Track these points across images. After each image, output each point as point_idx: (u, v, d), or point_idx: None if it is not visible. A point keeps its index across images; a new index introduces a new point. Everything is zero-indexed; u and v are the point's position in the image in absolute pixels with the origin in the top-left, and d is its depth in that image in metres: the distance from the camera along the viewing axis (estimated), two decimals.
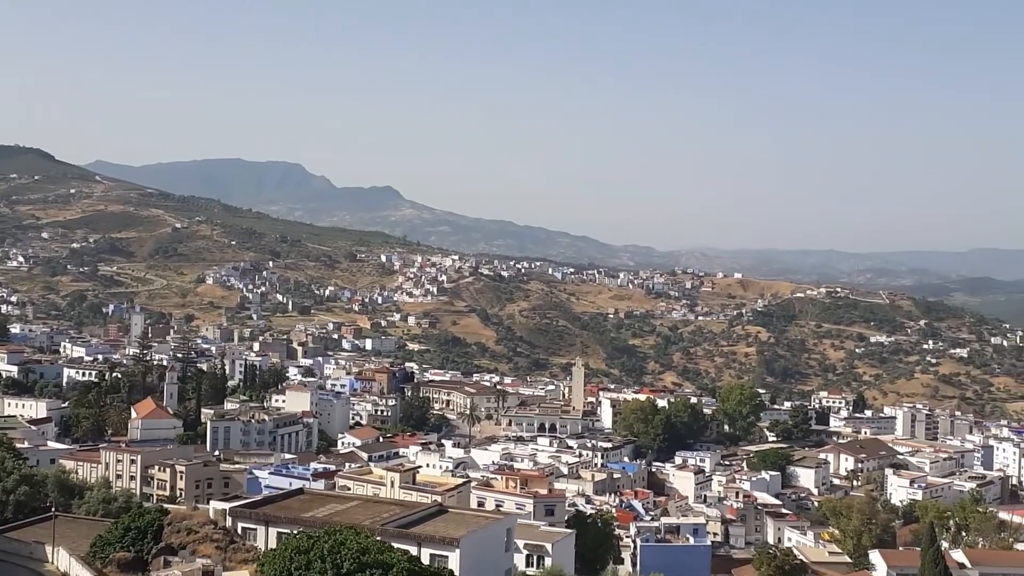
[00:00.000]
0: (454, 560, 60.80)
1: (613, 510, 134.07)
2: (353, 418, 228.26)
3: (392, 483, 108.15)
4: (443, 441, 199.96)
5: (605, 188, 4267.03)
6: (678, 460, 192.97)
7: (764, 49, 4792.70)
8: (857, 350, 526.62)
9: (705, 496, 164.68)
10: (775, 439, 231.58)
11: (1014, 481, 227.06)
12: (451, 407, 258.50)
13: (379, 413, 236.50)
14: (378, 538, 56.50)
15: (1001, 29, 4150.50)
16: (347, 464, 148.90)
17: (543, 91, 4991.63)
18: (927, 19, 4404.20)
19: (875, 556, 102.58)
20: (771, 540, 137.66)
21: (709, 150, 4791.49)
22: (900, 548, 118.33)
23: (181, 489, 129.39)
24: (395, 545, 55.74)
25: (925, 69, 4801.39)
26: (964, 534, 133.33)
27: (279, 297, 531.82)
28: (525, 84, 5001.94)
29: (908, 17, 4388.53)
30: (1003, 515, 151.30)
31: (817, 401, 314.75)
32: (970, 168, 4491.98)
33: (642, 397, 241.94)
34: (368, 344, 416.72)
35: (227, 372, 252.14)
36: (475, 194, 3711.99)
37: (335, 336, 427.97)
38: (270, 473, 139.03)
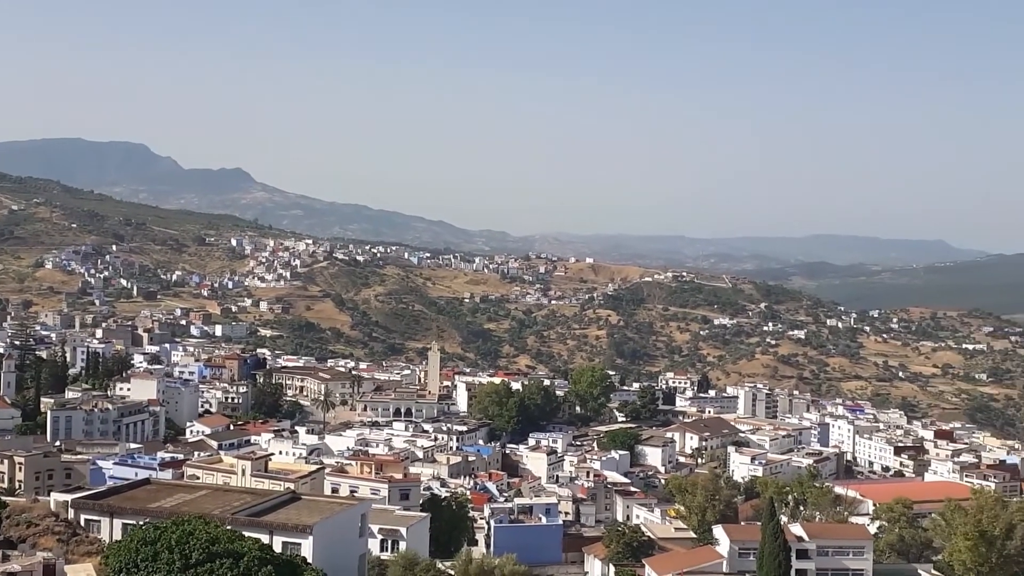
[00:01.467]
0: (307, 547, 60.57)
1: (468, 493, 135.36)
2: (202, 406, 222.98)
3: (243, 471, 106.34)
4: (296, 428, 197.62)
5: (461, 174, 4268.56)
6: (532, 442, 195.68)
7: (623, 37, 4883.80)
8: (702, 332, 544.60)
9: (557, 476, 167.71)
10: (625, 419, 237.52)
11: (848, 457, 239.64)
12: (305, 393, 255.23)
13: (230, 401, 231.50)
14: (228, 527, 55.79)
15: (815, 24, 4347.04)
16: (196, 453, 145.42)
17: (395, 75, 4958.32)
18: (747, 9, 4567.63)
19: (718, 531, 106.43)
20: (620, 518, 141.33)
21: (562, 138, 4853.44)
22: (742, 523, 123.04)
23: (20, 481, 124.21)
24: (246, 534, 55.06)
25: (756, 60, 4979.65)
26: (802, 508, 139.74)
27: (123, 282, 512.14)
28: (378, 68, 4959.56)
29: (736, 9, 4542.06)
30: (838, 490, 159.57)
31: (664, 382, 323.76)
32: (806, 157, 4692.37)
33: (497, 380, 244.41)
34: (218, 330, 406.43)
35: (68, 360, 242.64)
36: (329, 177, 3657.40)
37: (183, 322, 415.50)
38: (115, 463, 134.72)
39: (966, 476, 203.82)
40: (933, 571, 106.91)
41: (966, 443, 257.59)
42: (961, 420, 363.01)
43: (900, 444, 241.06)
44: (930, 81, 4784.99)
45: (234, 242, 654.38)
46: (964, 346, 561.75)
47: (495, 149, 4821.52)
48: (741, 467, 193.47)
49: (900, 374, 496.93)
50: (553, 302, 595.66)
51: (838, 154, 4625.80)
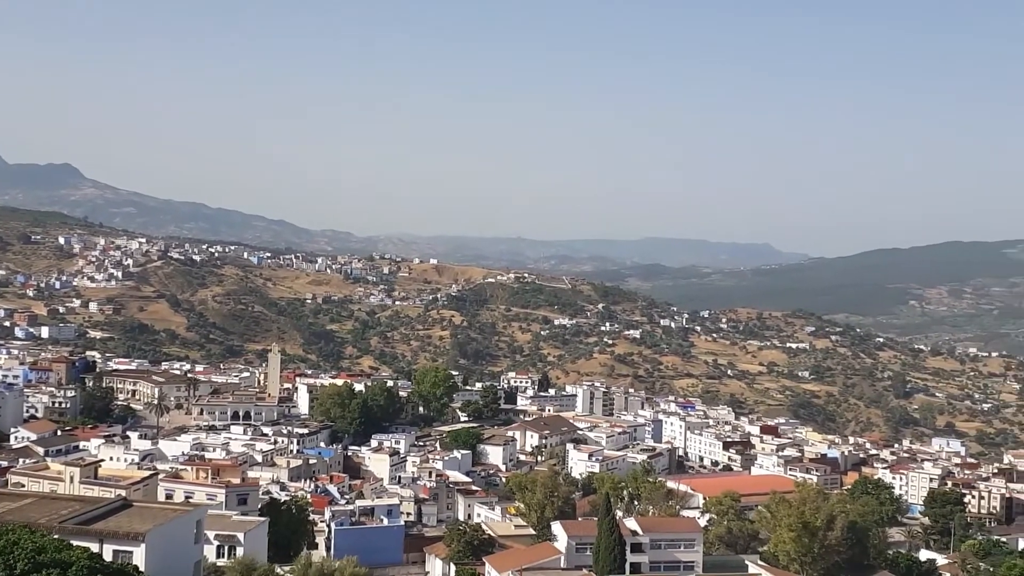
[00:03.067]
0: (139, 555, 59.02)
1: (308, 496, 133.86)
2: (28, 411, 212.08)
3: (71, 478, 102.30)
4: (128, 433, 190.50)
5: (303, 173, 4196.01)
6: (374, 443, 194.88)
7: (474, 39, 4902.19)
8: (543, 332, 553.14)
9: (400, 477, 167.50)
10: (467, 419, 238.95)
11: (681, 452, 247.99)
12: (137, 397, 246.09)
13: (57, 405, 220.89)
14: (56, 536, 53.87)
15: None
16: (21, 460, 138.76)
17: (234, 69, 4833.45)
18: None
19: (557, 527, 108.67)
20: (462, 517, 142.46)
21: (403, 139, 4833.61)
22: (580, 518, 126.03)
23: None
24: (74, 543, 53.31)
25: (598, 64, 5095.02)
26: (636, 503, 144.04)
27: None
28: (212, 62, 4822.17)
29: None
30: (671, 484, 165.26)
31: (506, 381, 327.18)
32: (641, 162, 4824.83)
33: (339, 382, 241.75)
34: (44, 332, 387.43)
35: None
36: (165, 174, 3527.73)
37: (7, 324, 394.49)
38: None
39: (790, 469, 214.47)
40: (759, 562, 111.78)
41: (790, 438, 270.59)
42: (785, 416, 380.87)
43: (728, 439, 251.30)
44: (755, 90, 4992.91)
45: (62, 240, 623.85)
46: (788, 345, 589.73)
47: (340, 148, 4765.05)
48: (579, 464, 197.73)
49: (729, 372, 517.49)
50: (397, 303, 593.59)
51: (670, 159, 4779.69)
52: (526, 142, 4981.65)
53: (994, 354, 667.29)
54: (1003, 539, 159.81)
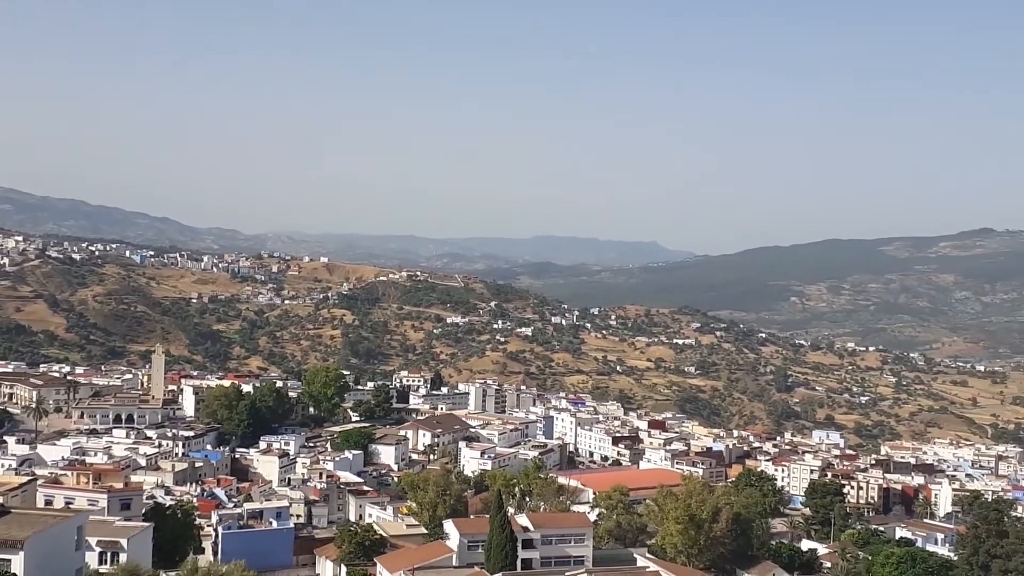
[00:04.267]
0: (18, 563, 57.29)
1: (194, 500, 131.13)
2: None
3: None
4: (5, 438, 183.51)
5: (187, 168, 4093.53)
6: (263, 445, 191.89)
7: (358, 37, 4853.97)
8: (435, 330, 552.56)
9: (289, 479, 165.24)
10: (359, 419, 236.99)
11: (571, 448, 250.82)
12: (15, 401, 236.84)
13: None
14: None
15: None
16: None
17: (116, 63, 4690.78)
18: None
19: (449, 525, 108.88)
20: (353, 517, 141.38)
21: (293, 135, 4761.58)
22: (472, 516, 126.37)
23: None
24: None
25: (490, 60, 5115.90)
26: (528, 499, 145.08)
27: None
28: (96, 55, 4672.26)
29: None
30: (562, 480, 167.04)
31: (398, 380, 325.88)
32: (529, 160, 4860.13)
33: (226, 383, 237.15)
34: None
35: None
36: (43, 169, 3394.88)
37: None
38: None
39: (677, 463, 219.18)
40: (647, 555, 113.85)
41: (677, 432, 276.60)
42: (672, 410, 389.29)
43: (618, 434, 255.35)
44: (639, 89, 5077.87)
45: None
46: (675, 341, 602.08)
47: (226, 143, 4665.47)
48: (471, 461, 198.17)
49: (618, 368, 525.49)
50: (286, 302, 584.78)
51: (559, 158, 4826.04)
52: (418, 140, 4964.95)
53: (871, 348, 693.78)
54: (880, 528, 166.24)
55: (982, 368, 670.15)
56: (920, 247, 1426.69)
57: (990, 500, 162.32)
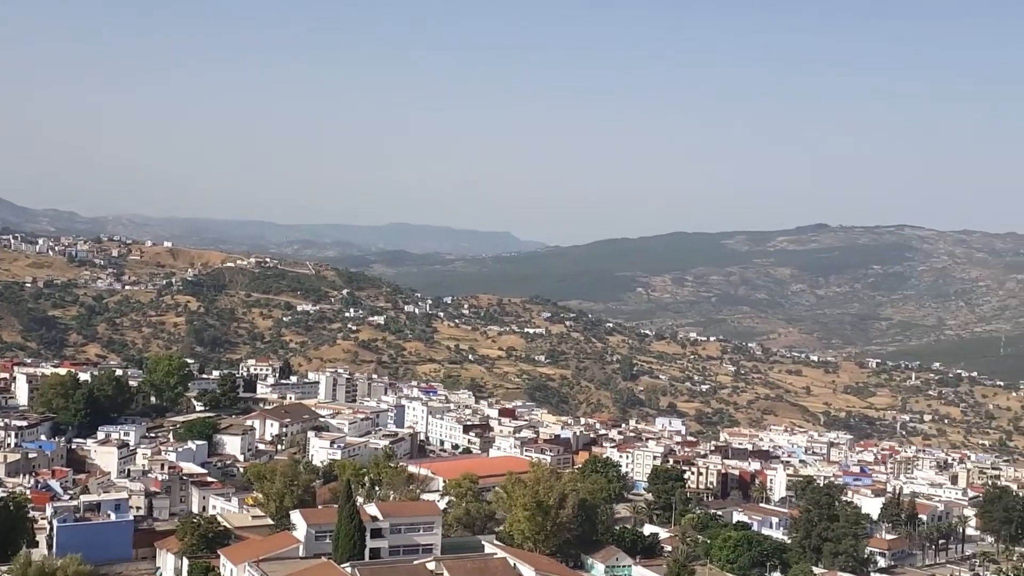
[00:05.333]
0: None
1: (28, 492, 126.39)
2: None
3: None
4: None
5: (17, 145, 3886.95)
6: (101, 435, 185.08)
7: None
8: (285, 318, 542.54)
9: (129, 471, 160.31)
10: (204, 408, 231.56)
11: (422, 437, 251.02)
12: None
13: None
14: None
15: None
16: None
17: None
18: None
19: (296, 516, 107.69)
20: (196, 509, 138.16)
21: (138, 112, 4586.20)
22: (320, 507, 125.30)
23: None
24: None
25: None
26: (378, 489, 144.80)
27: None
28: None
29: None
30: (412, 469, 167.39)
31: (245, 369, 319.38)
32: (385, 146, 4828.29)
33: (62, 371, 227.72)
34: None
35: None
36: None
37: None
38: None
39: (526, 451, 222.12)
40: (496, 541, 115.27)
41: (526, 420, 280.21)
42: (522, 399, 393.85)
43: (468, 423, 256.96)
44: (494, 81, 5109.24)
45: None
46: (526, 330, 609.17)
47: (64, 121, 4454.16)
48: (321, 451, 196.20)
49: (470, 357, 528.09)
50: (127, 287, 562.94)
51: (413, 147, 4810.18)
52: (269, 122, 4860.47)
53: (712, 338, 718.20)
54: (719, 512, 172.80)
55: (815, 358, 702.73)
56: (759, 241, 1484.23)
57: (822, 485, 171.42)
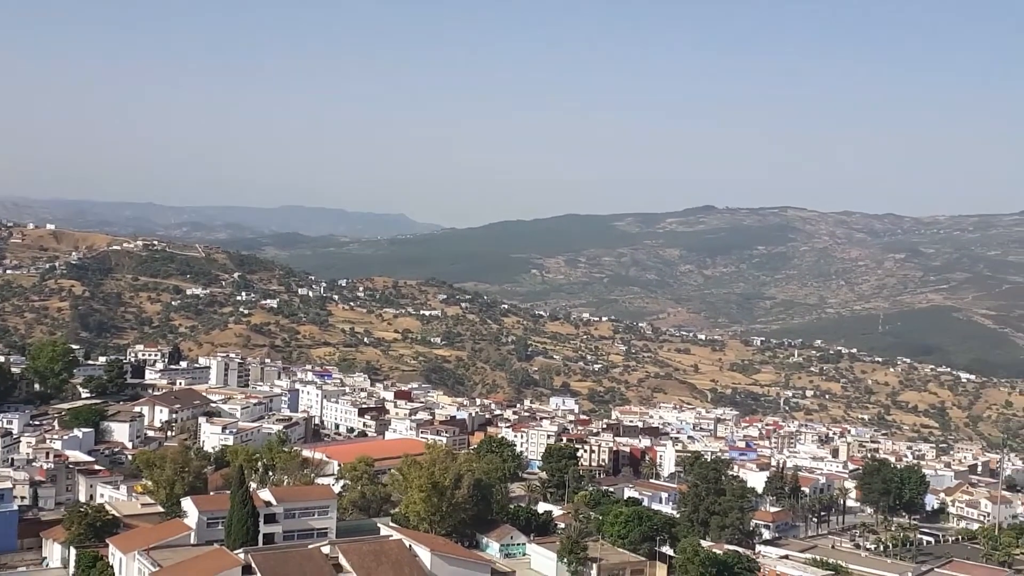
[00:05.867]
0: None
1: None
2: None
3: None
4: None
5: None
6: None
7: None
8: (174, 303, 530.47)
9: (13, 459, 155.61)
10: (90, 395, 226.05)
11: (317, 421, 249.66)
12: None
13: None
14: None
15: None
16: None
17: None
18: None
19: (187, 503, 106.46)
20: (83, 498, 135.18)
21: (26, 92, 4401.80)
22: (212, 493, 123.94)
23: None
24: None
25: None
26: (271, 474, 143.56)
27: None
28: None
29: None
30: (306, 453, 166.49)
31: (133, 355, 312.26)
32: (276, 128, 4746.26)
33: None
34: None
35: None
36: None
37: None
38: None
39: (422, 432, 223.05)
40: (391, 523, 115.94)
41: (422, 402, 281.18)
42: (418, 381, 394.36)
43: (364, 406, 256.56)
44: (380, 66, 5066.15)
45: None
46: (422, 312, 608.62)
47: None
48: (212, 437, 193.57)
49: (365, 340, 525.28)
50: (8, 271, 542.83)
51: (307, 127, 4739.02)
52: (152, 102, 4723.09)
53: (604, 319, 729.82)
54: (611, 489, 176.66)
55: (703, 337, 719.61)
56: (649, 223, 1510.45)
57: (709, 460, 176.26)
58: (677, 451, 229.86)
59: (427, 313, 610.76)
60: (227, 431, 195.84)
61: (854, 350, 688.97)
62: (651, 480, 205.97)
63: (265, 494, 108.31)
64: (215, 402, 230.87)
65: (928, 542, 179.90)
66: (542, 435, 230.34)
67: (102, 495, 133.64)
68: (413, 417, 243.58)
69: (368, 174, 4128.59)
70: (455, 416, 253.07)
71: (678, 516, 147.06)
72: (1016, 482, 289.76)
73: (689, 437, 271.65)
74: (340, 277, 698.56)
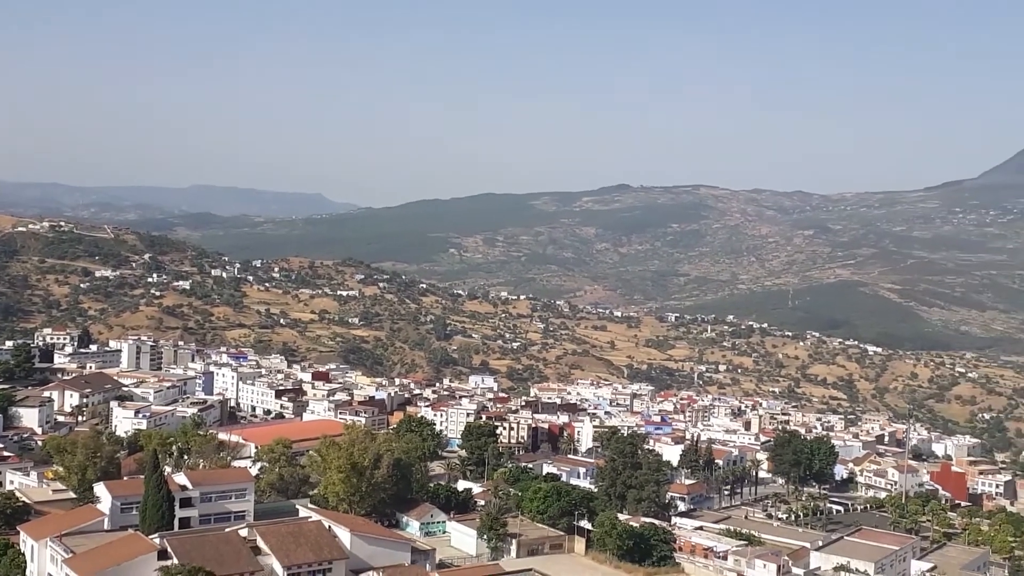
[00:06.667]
0: None
1: None
2: None
3: None
4: None
5: None
6: None
7: None
8: (82, 285, 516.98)
9: None
10: None
11: (233, 403, 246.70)
12: None
13: None
14: None
15: None
16: None
17: None
18: None
19: (100, 488, 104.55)
20: None
21: None
22: (126, 478, 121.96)
23: None
24: None
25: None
26: (187, 457, 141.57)
27: None
28: None
29: None
30: (222, 436, 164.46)
31: (41, 338, 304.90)
32: (188, 107, 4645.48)
33: None
34: None
35: None
36: None
37: None
38: None
39: (340, 413, 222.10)
40: (310, 505, 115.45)
41: (340, 383, 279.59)
42: (336, 361, 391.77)
43: (281, 388, 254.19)
44: (299, 45, 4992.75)
45: None
46: (339, 293, 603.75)
47: None
48: (125, 422, 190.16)
49: (281, 321, 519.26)
50: None
51: (217, 106, 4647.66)
52: (58, 79, 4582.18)
53: (522, 297, 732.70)
54: (529, 465, 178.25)
55: (619, 314, 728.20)
56: (566, 201, 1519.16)
57: (626, 435, 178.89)
58: (595, 427, 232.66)
59: (344, 293, 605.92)
60: (140, 415, 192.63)
61: (765, 325, 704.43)
62: (569, 456, 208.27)
63: (180, 478, 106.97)
64: (127, 386, 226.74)
65: (837, 511, 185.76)
66: (461, 413, 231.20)
67: (12, 482, 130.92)
68: (331, 398, 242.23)
69: (282, 153, 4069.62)
70: (374, 396, 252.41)
71: (596, 490, 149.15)
72: (921, 451, 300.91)
73: (606, 413, 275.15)
74: (255, 258, 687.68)
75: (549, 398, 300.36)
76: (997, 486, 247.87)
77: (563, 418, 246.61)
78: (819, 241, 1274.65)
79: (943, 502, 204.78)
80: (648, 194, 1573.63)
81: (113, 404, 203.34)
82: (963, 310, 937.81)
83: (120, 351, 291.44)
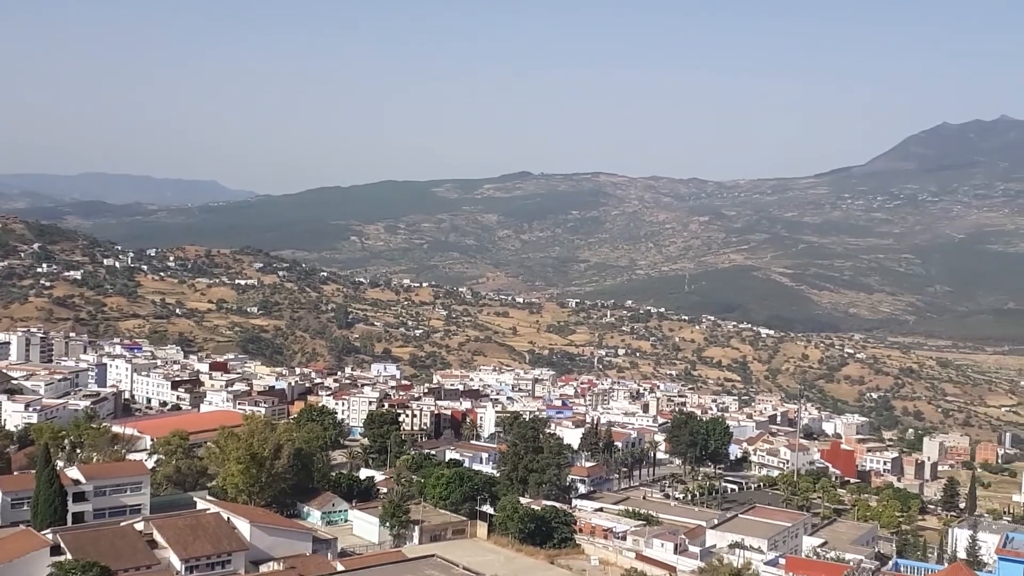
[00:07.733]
0: None
1: None
2: None
3: None
4: None
5: None
6: None
7: None
8: None
9: None
10: None
11: (127, 395, 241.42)
12: None
13: None
14: None
15: None
16: None
17: None
18: None
19: None
20: None
21: None
22: (16, 473, 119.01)
23: None
24: None
25: None
26: (80, 451, 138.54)
27: None
28: None
29: None
30: (117, 428, 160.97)
31: None
32: (79, 93, 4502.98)
33: None
34: None
35: None
36: None
37: None
38: None
39: (239, 404, 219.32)
40: (208, 497, 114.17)
41: (239, 373, 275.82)
42: (235, 352, 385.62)
43: (177, 379, 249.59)
44: (194, 28, 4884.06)
45: None
46: (237, 282, 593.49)
47: None
48: (14, 415, 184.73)
49: (177, 311, 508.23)
50: None
51: (111, 92, 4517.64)
52: None
53: (425, 284, 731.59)
54: (432, 452, 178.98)
55: (521, 300, 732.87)
56: (468, 189, 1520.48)
57: (528, 420, 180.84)
58: (497, 412, 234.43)
59: (243, 282, 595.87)
60: (30, 408, 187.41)
61: (662, 309, 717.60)
62: (472, 441, 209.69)
63: (73, 472, 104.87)
64: (16, 379, 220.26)
65: (732, 489, 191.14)
66: (364, 402, 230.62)
67: None
68: (230, 389, 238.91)
69: (176, 139, 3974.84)
70: (274, 386, 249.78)
71: (498, 475, 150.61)
72: (812, 430, 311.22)
73: (508, 398, 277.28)
74: (149, 246, 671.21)
75: (452, 385, 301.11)
76: (885, 463, 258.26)
77: (466, 404, 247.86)
78: (714, 227, 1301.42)
79: (833, 479, 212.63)
80: (549, 181, 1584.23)
81: (2, 398, 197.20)
82: (852, 293, 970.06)
83: (9, 343, 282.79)
